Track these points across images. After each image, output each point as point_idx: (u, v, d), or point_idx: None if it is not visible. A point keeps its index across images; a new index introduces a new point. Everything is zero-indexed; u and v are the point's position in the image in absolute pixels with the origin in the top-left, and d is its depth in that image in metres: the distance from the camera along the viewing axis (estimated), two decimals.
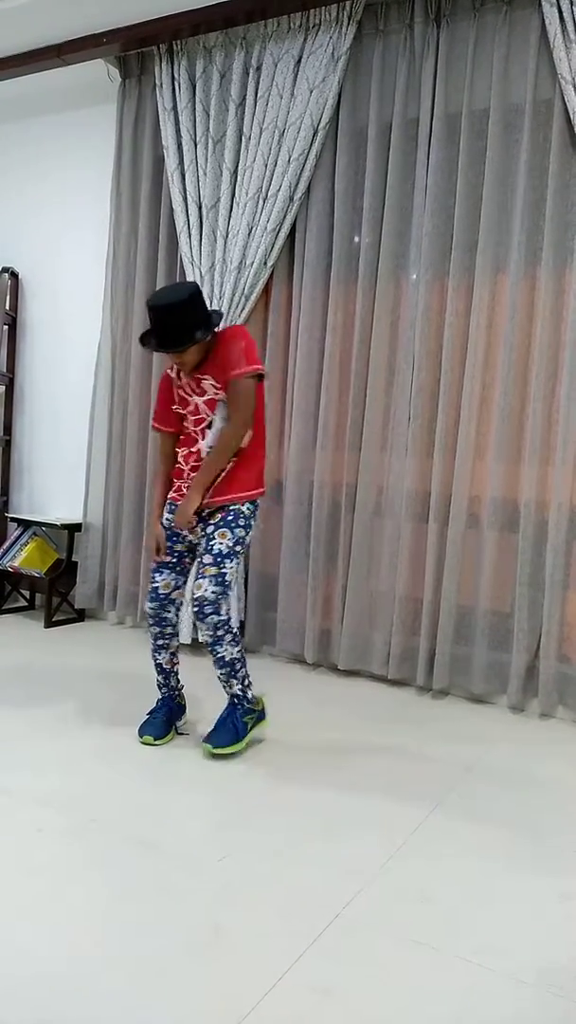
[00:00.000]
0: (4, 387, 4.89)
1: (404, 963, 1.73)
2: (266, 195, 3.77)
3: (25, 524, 4.59)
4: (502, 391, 3.37)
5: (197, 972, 1.66)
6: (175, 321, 2.60)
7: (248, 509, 2.76)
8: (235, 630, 2.73)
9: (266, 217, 3.75)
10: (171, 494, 2.86)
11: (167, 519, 2.84)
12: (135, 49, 4.12)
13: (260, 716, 2.87)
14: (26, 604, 4.82)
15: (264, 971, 1.67)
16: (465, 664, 3.49)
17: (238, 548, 2.72)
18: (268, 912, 1.88)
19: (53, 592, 4.43)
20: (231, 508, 2.72)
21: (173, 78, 4.01)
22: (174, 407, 2.85)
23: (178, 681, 2.96)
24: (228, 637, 2.70)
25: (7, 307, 4.76)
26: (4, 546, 4.58)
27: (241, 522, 2.73)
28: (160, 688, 2.93)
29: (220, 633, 2.68)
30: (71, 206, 4.65)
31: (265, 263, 3.79)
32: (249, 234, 3.81)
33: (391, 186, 3.55)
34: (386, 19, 3.55)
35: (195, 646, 3.94)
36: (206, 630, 2.69)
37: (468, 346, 3.43)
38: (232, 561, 2.70)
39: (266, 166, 3.75)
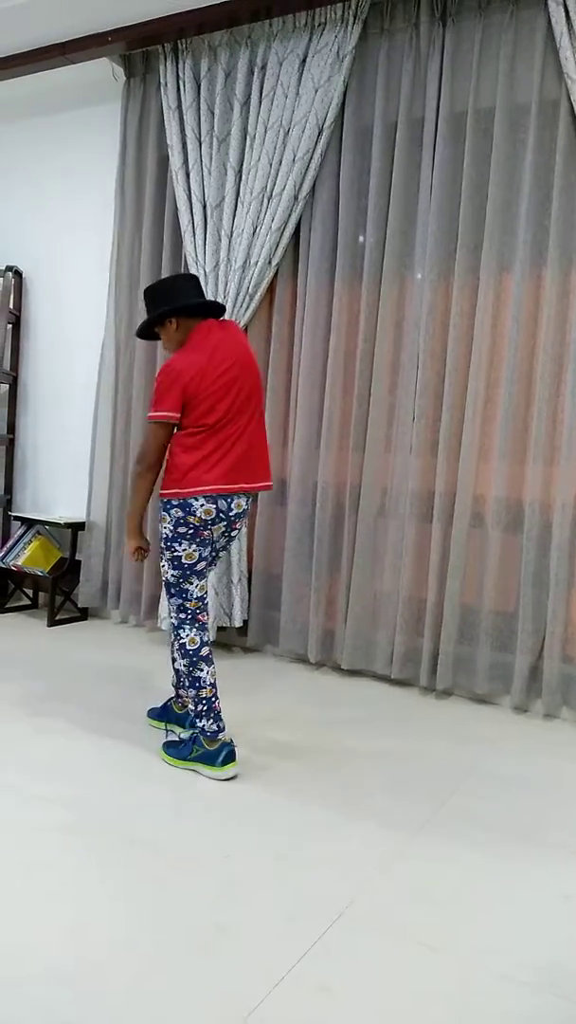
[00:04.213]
0: (8, 385, 4.89)
1: (405, 963, 1.73)
2: (271, 194, 3.76)
3: (28, 523, 4.60)
4: (507, 391, 3.36)
5: (199, 971, 1.66)
6: (147, 310, 2.73)
7: (171, 512, 2.60)
8: (192, 619, 2.63)
9: (270, 216, 3.75)
10: None
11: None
12: (140, 48, 4.13)
13: (207, 756, 2.56)
14: (29, 603, 4.82)
15: (266, 970, 1.67)
16: (469, 664, 3.49)
17: (164, 531, 2.62)
18: (270, 912, 1.88)
19: (56, 591, 4.43)
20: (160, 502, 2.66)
21: (178, 77, 4.01)
22: None
23: (178, 683, 2.89)
24: (184, 627, 2.63)
25: (11, 306, 4.76)
26: (7, 545, 4.59)
27: (165, 513, 2.63)
28: None
29: (178, 616, 2.65)
30: (75, 205, 4.65)
31: (269, 262, 3.79)
32: (253, 233, 3.81)
33: (396, 185, 3.55)
34: (391, 18, 3.55)
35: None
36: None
37: (473, 346, 3.42)
38: (174, 542, 2.60)
39: (271, 165, 3.75)
